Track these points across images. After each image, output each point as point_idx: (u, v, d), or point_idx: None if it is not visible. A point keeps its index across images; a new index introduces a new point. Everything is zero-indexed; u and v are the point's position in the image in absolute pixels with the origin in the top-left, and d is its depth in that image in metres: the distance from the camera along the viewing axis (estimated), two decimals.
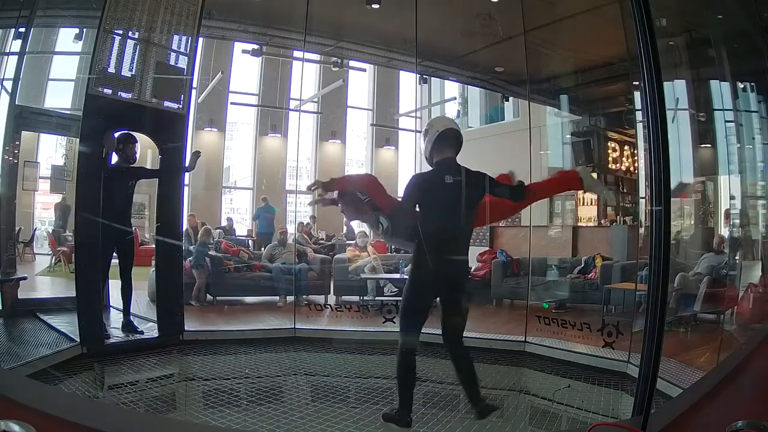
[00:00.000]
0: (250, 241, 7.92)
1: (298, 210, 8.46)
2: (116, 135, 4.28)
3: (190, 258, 5.73)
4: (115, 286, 4.46)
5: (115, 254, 4.30)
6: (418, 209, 2.69)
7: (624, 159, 8.50)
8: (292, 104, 9.10)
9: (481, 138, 8.83)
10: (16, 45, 4.41)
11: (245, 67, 9.26)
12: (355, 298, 5.79)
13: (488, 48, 6.38)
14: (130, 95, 4.19)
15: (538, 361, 4.22)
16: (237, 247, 6.61)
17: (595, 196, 8.12)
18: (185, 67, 4.47)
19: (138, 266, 4.73)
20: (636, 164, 7.96)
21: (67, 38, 5.12)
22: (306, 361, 4.32)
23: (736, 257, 5.16)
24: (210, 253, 5.97)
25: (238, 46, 8.09)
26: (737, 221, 5.46)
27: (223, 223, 8.91)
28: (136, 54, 4.20)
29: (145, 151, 4.83)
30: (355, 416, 3.04)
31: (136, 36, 4.21)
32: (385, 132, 10.72)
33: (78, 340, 3.88)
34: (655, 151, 2.22)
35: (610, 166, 8.38)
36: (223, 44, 8.24)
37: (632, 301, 4.69)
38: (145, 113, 4.27)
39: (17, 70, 4.45)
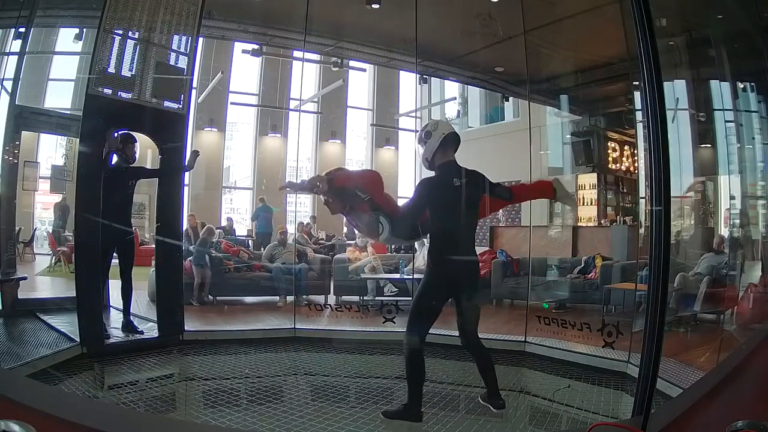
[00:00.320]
0: (250, 241, 7.92)
1: (298, 210, 8.47)
2: (116, 135, 4.28)
3: (190, 258, 5.73)
4: (115, 286, 4.46)
5: (115, 254, 4.30)
6: (428, 212, 2.72)
7: (624, 159, 8.51)
8: (292, 104, 9.12)
9: (481, 138, 8.85)
10: (16, 45, 4.42)
11: (245, 67, 9.28)
12: (355, 298, 5.79)
13: (488, 48, 6.38)
14: (130, 95, 4.19)
15: (538, 361, 4.22)
16: (237, 247, 6.62)
17: (595, 196, 8.17)
18: (185, 67, 4.46)
19: (138, 266, 4.73)
20: (636, 164, 7.97)
21: (67, 38, 5.13)
22: (306, 361, 4.32)
23: (736, 257, 5.16)
24: (210, 252, 5.97)
25: (238, 46, 8.10)
26: (737, 221, 5.46)
27: (223, 223, 8.91)
28: (136, 54, 4.20)
29: (145, 151, 4.84)
30: (355, 416, 3.03)
31: (136, 36, 4.21)
32: (385, 132, 10.72)
33: (78, 340, 3.88)
34: (655, 151, 2.22)
35: (610, 166, 8.39)
36: (223, 44, 8.25)
37: (632, 301, 4.69)
38: (145, 113, 4.27)
39: (17, 70, 4.45)
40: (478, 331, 2.87)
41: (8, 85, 4.46)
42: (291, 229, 7.61)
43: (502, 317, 5.69)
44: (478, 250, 7.04)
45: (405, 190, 8.42)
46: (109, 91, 4.09)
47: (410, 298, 4.80)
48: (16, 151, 4.73)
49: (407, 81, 9.90)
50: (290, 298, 5.70)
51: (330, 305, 5.40)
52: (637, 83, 4.56)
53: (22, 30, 4.37)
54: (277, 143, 9.77)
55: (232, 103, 9.56)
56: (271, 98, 9.44)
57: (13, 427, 1.52)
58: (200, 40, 4.92)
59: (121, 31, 4.12)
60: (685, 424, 2.38)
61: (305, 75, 8.59)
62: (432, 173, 2.77)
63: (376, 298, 5.74)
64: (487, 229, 7.70)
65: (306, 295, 5.84)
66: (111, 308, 4.65)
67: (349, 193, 2.72)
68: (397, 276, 6.04)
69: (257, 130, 9.89)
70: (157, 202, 4.60)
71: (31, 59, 4.83)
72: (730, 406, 2.56)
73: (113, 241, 4.18)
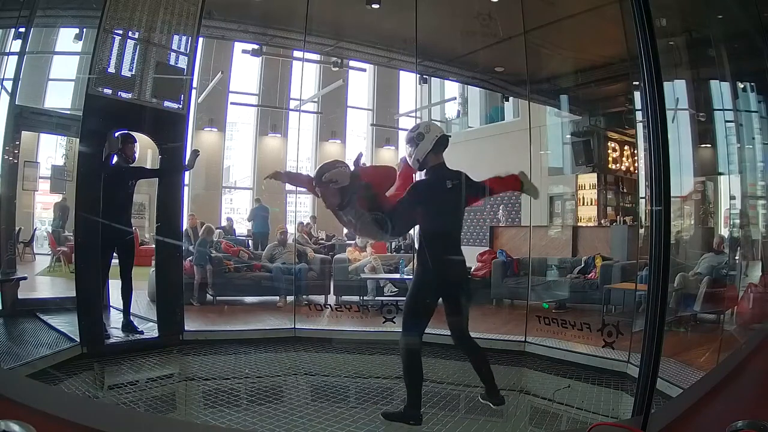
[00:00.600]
0: (250, 241, 7.92)
1: (298, 210, 8.47)
2: (116, 135, 4.28)
3: (191, 258, 5.73)
4: (115, 286, 4.46)
5: (115, 254, 4.30)
6: (420, 214, 2.74)
7: (624, 159, 8.52)
8: (292, 104, 9.13)
9: (481, 138, 8.85)
10: (16, 45, 4.41)
11: (245, 67, 9.29)
12: (355, 298, 5.79)
13: (488, 48, 6.38)
14: (130, 95, 4.18)
15: (538, 361, 4.22)
16: (237, 247, 6.62)
17: (595, 196, 8.18)
18: (185, 67, 4.46)
19: (138, 266, 4.74)
20: (636, 164, 7.97)
21: (67, 38, 5.12)
22: (306, 361, 4.31)
23: (736, 257, 5.16)
24: (211, 252, 5.97)
25: (238, 46, 8.11)
26: (737, 221, 5.46)
27: (223, 223, 8.92)
28: (136, 54, 4.19)
29: (145, 151, 4.83)
30: (355, 416, 3.03)
31: (136, 36, 4.20)
32: (385, 132, 10.73)
33: (78, 340, 3.87)
34: (655, 151, 2.23)
35: (610, 166, 8.39)
36: (223, 44, 8.25)
37: (632, 301, 4.69)
38: (145, 113, 4.26)
39: (17, 70, 4.45)
40: (478, 331, 2.88)
41: (8, 85, 4.45)
42: (291, 229, 7.61)
43: (502, 317, 5.69)
44: (479, 250, 7.07)
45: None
46: (109, 91, 4.08)
47: None
48: (16, 151, 4.73)
49: (407, 81, 9.92)
50: (290, 298, 5.70)
51: (330, 305, 5.39)
52: (637, 83, 4.56)
53: (22, 30, 4.36)
54: (277, 143, 9.78)
55: (232, 103, 9.58)
56: (271, 98, 9.44)
57: (13, 427, 1.52)
58: (200, 40, 4.92)
59: (121, 31, 4.12)
60: (685, 424, 2.38)
61: (305, 75, 8.62)
62: (420, 173, 2.81)
63: (376, 298, 5.73)
64: (487, 229, 7.70)
65: (306, 295, 5.84)
66: (111, 308, 4.65)
67: (355, 188, 2.69)
68: (397, 276, 6.04)
69: (257, 130, 9.90)
70: (157, 202, 4.60)
71: (31, 59, 4.82)
72: (730, 406, 2.57)
73: (113, 241, 4.18)
